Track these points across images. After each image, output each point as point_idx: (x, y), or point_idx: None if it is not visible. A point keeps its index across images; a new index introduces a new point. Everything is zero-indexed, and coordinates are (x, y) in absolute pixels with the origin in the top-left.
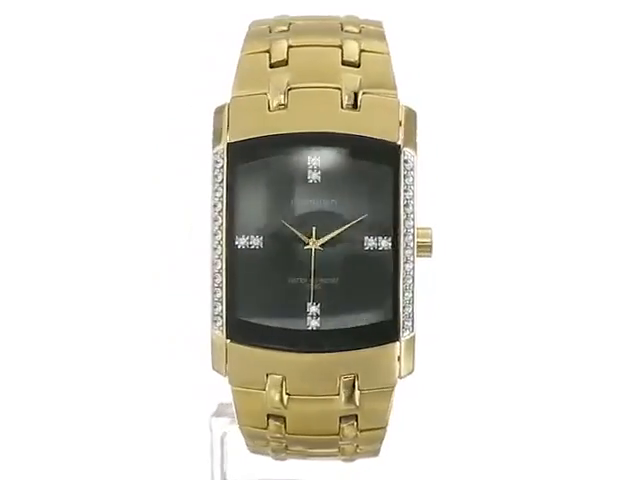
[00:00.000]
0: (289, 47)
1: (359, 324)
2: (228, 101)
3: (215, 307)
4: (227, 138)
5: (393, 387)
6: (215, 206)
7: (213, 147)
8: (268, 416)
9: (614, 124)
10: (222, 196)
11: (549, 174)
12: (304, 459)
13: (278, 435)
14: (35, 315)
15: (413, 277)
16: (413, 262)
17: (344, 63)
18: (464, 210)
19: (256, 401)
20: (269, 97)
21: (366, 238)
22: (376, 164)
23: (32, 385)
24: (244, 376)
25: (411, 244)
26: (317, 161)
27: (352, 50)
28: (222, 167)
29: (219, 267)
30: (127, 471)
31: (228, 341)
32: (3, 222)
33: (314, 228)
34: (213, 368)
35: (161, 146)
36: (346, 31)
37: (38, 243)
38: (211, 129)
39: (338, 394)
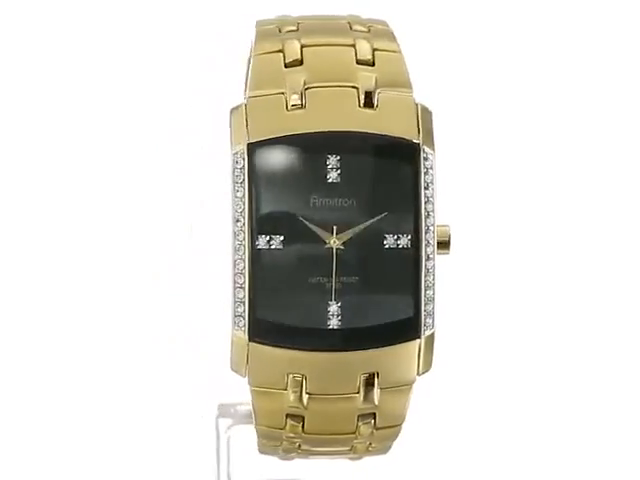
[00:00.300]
0: (302, 47)
1: (380, 322)
2: (244, 101)
3: (237, 307)
4: (247, 138)
5: (412, 384)
6: (236, 206)
7: (232, 147)
8: (287, 416)
9: (629, 120)
10: (243, 196)
11: (556, 168)
12: (312, 458)
13: (294, 435)
14: (36, 315)
15: (434, 274)
16: (434, 259)
17: (359, 62)
18: (475, 207)
19: (276, 401)
20: (286, 97)
21: (386, 236)
22: (396, 162)
23: (33, 386)
24: (265, 376)
25: (432, 241)
26: (337, 160)
27: (365, 49)
28: (243, 167)
29: (241, 267)
30: (127, 471)
31: (250, 342)
32: (4, 222)
33: (334, 227)
34: (232, 369)
35: (161, 146)
36: (355, 30)
37: (38, 243)
38: (214, 130)
39: (358, 392)
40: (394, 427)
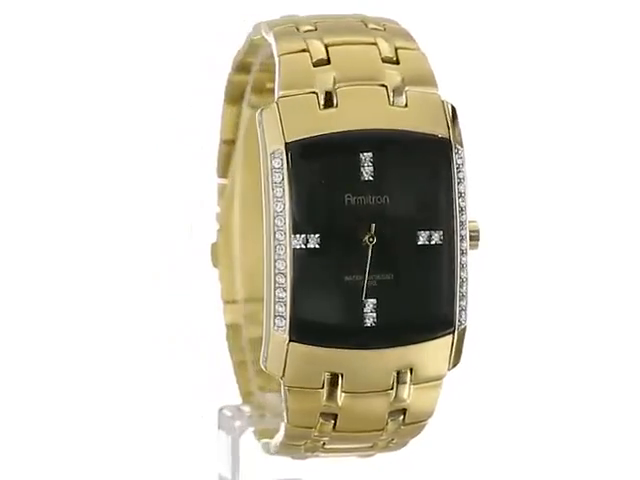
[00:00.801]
0: (327, 46)
1: (415, 318)
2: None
3: (277, 307)
4: (283, 138)
5: (442, 379)
6: (275, 206)
7: (267, 147)
8: (320, 415)
9: None
10: (283, 196)
11: (567, 162)
12: (328, 457)
13: (323, 433)
14: (36, 316)
15: (467, 270)
16: (467, 255)
17: (384, 60)
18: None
19: (312, 400)
20: (318, 96)
21: (420, 233)
22: (429, 159)
23: (34, 386)
24: (303, 375)
25: (466, 237)
26: (370, 158)
27: (388, 47)
28: (281, 167)
29: (282, 267)
30: (128, 472)
31: (290, 341)
32: (4, 222)
33: (371, 225)
34: (266, 369)
35: (161, 146)
36: (372, 29)
37: (38, 243)
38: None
39: (391, 389)
40: (421, 423)
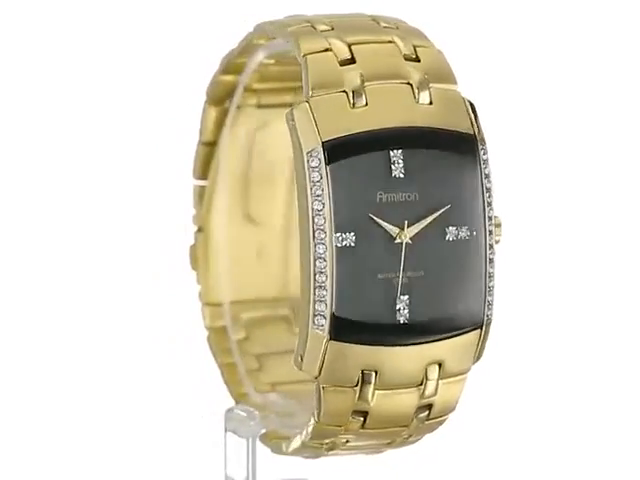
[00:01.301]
0: (349, 45)
1: (446, 314)
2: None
3: (317, 306)
4: (319, 137)
5: (467, 373)
6: (314, 204)
7: (304, 146)
8: (353, 413)
9: None
10: (322, 195)
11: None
12: (342, 455)
13: (351, 431)
14: (35, 316)
15: (494, 265)
16: (494, 250)
17: (405, 58)
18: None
19: (346, 399)
20: (348, 95)
21: (450, 228)
22: (457, 155)
23: (32, 386)
24: (339, 374)
25: (493, 232)
26: (401, 156)
27: (406, 45)
28: (319, 166)
29: (323, 266)
30: (128, 472)
31: (330, 340)
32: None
33: (402, 222)
34: (300, 369)
35: (161, 145)
36: (385, 27)
37: (38, 243)
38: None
39: (421, 384)
40: (443, 418)
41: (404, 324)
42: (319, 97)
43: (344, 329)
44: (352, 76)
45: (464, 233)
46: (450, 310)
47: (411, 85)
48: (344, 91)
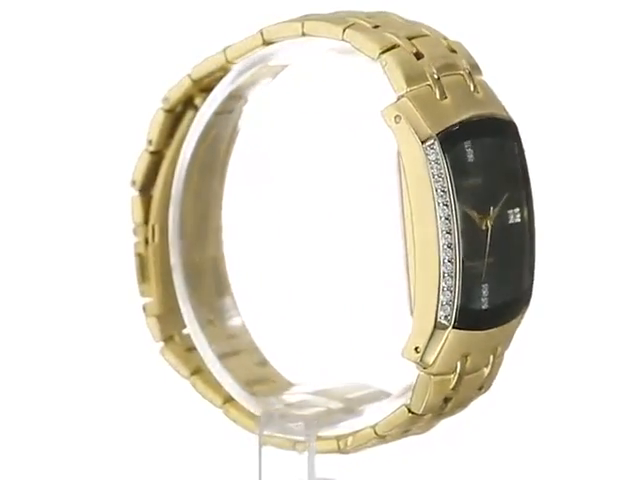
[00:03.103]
0: (409, 39)
1: (513, 296)
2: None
3: (443, 296)
4: (430, 130)
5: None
6: (441, 198)
7: (417, 140)
8: (444, 400)
9: None
10: (446, 187)
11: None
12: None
13: (426, 420)
14: (34, 316)
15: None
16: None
17: (449, 50)
18: None
19: (445, 386)
20: (432, 87)
21: (509, 212)
22: (509, 141)
23: (32, 387)
24: (449, 362)
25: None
26: (472, 145)
27: (438, 38)
28: (439, 159)
29: (450, 256)
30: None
31: (453, 328)
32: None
33: (490, 209)
34: (415, 360)
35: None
36: (407, 21)
37: (37, 243)
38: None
39: (487, 366)
40: (482, 394)
41: (486, 309)
42: (414, 91)
43: (464, 317)
44: (429, 69)
45: (521, 216)
46: (516, 292)
47: (463, 75)
48: (429, 85)
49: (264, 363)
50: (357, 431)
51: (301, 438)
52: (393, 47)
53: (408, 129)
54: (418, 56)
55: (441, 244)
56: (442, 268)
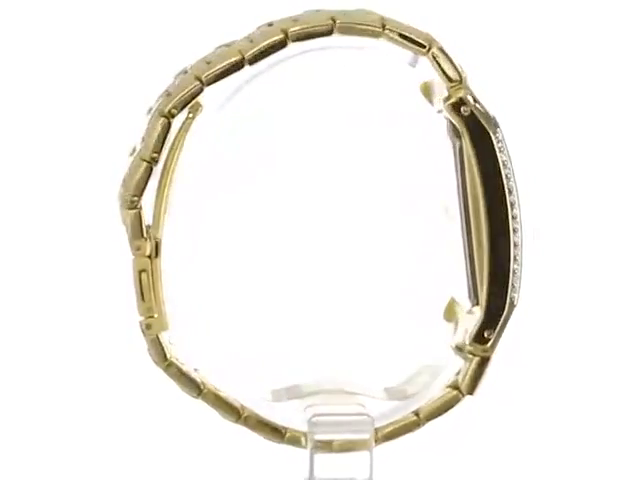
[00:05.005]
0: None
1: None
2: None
3: (514, 282)
4: (494, 119)
5: None
6: (509, 183)
7: (490, 131)
8: None
9: None
10: (510, 173)
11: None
12: None
13: None
14: (34, 317)
15: None
16: None
17: None
18: None
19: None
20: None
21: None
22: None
23: (32, 388)
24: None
25: None
26: None
27: None
28: (504, 147)
29: (518, 240)
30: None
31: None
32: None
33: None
34: (485, 344)
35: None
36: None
37: (37, 243)
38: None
39: None
40: None
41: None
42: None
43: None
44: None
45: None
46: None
47: None
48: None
49: None
50: None
51: None
52: (431, 45)
53: (480, 118)
54: None
55: (511, 228)
56: (513, 253)
